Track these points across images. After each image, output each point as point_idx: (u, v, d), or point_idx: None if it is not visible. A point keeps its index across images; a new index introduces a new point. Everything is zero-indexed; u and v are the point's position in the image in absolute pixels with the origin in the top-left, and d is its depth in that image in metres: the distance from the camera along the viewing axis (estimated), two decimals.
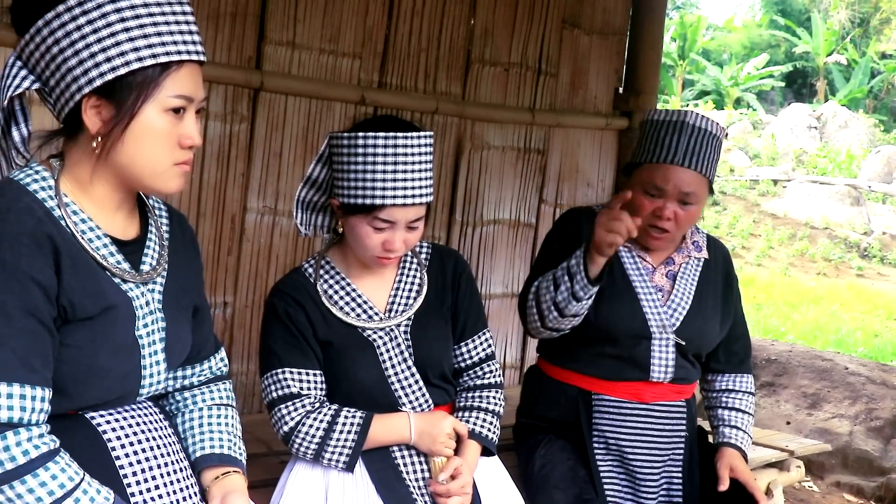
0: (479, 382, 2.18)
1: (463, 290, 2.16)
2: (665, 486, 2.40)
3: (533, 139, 3.87)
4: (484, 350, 2.19)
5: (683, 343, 2.41)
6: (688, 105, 24.24)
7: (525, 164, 3.87)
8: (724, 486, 2.37)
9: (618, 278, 2.41)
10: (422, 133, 1.96)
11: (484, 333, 2.20)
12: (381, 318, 2.06)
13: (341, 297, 2.07)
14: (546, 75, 3.86)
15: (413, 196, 1.94)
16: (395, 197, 1.92)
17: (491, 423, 2.13)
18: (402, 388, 2.05)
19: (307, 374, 2.02)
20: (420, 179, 1.95)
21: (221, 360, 1.86)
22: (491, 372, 2.19)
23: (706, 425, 2.65)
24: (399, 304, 2.09)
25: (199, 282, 1.80)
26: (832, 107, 22.39)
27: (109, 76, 1.46)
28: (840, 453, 4.89)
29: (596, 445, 2.39)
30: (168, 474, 1.61)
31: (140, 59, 1.46)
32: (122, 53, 1.46)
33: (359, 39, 3.28)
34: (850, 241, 14.62)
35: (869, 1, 26.75)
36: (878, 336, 9.89)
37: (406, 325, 2.08)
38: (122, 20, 1.46)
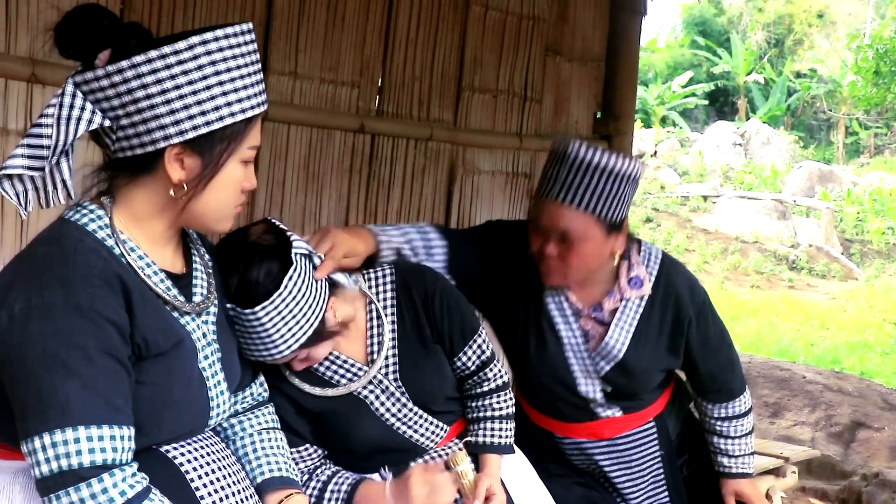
0: (481, 390, 2.13)
1: (437, 311, 2.05)
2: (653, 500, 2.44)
3: (520, 163, 3.97)
4: (479, 357, 2.10)
5: (609, 390, 2.30)
6: None
7: (513, 188, 3.96)
8: None
9: (544, 325, 2.29)
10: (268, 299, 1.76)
11: (475, 340, 2.09)
12: (364, 371, 2.01)
13: (325, 370, 2.00)
14: (531, 101, 3.96)
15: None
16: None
17: (502, 429, 2.10)
18: (410, 427, 2.02)
19: (306, 450, 2.01)
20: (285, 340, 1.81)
21: (261, 384, 1.87)
22: (491, 377, 2.13)
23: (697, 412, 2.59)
24: (376, 348, 2.03)
25: None
26: (755, 124, 23.13)
27: (204, 129, 1.46)
28: (804, 459, 5.05)
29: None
30: (242, 500, 1.64)
31: (232, 115, 1.48)
32: (217, 108, 1.47)
33: (357, 69, 3.33)
34: (779, 253, 15.07)
35: (783, 23, 27.80)
36: (815, 345, 10.20)
37: (394, 367, 2.02)
38: (217, 73, 1.46)
